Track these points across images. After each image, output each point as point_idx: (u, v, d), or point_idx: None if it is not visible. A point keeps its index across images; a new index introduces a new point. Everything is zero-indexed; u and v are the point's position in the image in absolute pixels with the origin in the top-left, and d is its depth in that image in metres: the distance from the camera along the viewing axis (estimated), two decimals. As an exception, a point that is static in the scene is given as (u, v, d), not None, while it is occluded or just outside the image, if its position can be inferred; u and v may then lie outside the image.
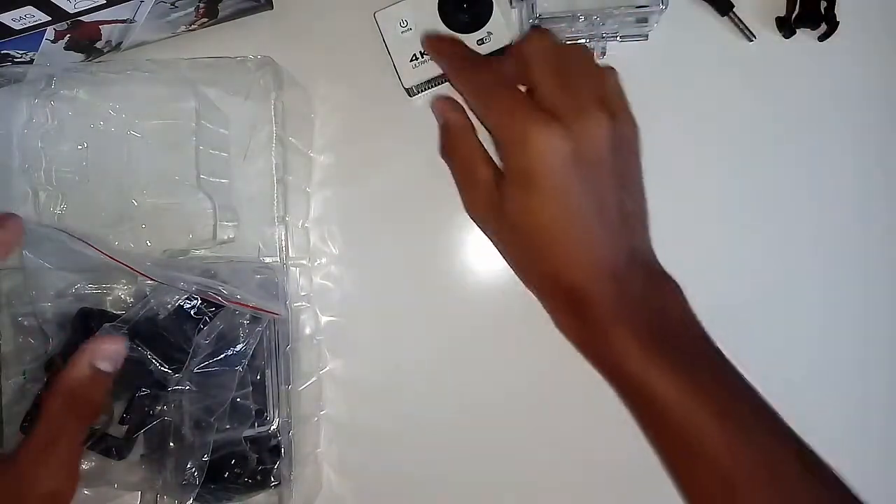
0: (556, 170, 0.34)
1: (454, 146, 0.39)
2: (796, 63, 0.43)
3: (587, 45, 0.42)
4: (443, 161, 0.40)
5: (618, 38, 0.42)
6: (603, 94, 0.35)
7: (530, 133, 0.34)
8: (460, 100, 0.40)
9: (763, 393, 0.35)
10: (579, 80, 0.35)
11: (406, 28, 0.40)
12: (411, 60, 0.40)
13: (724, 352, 0.36)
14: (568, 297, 0.36)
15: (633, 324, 0.34)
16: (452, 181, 0.42)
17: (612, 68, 0.38)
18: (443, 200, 0.43)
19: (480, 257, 0.43)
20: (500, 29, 0.40)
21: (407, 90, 0.41)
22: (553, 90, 0.35)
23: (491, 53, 0.40)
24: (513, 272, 0.39)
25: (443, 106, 0.40)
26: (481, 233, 0.42)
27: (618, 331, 0.34)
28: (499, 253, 0.39)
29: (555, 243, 0.35)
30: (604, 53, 0.42)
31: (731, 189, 0.43)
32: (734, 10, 0.42)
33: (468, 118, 0.39)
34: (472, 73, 0.37)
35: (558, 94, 0.34)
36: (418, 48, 0.40)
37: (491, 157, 0.38)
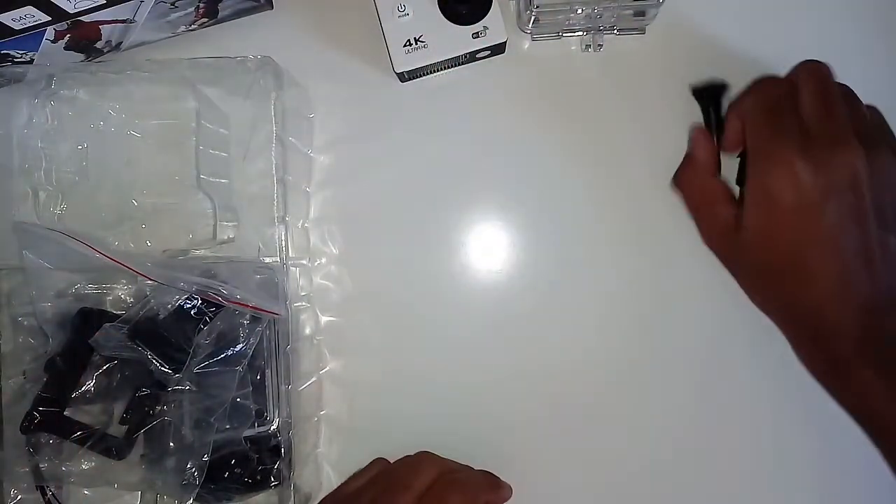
0: (803, 194, 0.33)
1: (691, 181, 0.40)
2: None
3: (584, 35, 0.42)
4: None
5: (615, 31, 0.41)
6: (861, 127, 0.35)
7: (782, 153, 0.34)
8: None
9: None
10: (841, 110, 0.35)
11: (403, 13, 0.39)
12: (405, 46, 0.40)
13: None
14: (809, 327, 0.36)
15: (880, 363, 0.34)
16: (451, 181, 0.43)
17: (875, 107, 0.38)
18: (443, 200, 0.43)
19: (480, 257, 0.43)
20: (497, 25, 0.40)
21: (398, 75, 0.41)
22: (815, 115, 0.35)
23: (483, 50, 0.40)
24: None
25: (698, 139, 0.40)
26: (481, 233, 0.43)
27: (863, 371, 0.34)
28: (737, 282, 0.39)
29: (796, 270, 0.35)
30: (600, 47, 0.42)
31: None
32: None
33: (716, 159, 0.39)
34: (754, 91, 0.38)
35: (820, 120, 0.34)
36: (414, 34, 0.39)
37: (732, 196, 0.38)
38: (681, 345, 0.43)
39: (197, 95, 0.40)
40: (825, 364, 0.36)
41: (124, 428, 0.36)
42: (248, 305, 0.36)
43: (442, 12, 0.39)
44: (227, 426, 0.36)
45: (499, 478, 0.40)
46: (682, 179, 0.41)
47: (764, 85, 0.38)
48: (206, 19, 0.41)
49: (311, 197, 0.43)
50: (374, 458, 0.41)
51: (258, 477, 0.37)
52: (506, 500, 0.40)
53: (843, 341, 0.34)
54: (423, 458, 0.39)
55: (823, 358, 0.36)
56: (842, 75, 0.37)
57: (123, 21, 0.37)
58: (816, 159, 0.33)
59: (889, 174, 0.35)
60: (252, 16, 0.42)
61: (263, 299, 0.37)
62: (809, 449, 0.42)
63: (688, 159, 0.41)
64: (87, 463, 0.37)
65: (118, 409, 0.37)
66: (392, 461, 0.41)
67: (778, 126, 0.35)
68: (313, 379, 0.42)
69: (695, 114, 0.42)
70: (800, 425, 0.42)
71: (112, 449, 0.36)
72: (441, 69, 0.42)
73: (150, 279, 0.36)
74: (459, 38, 0.40)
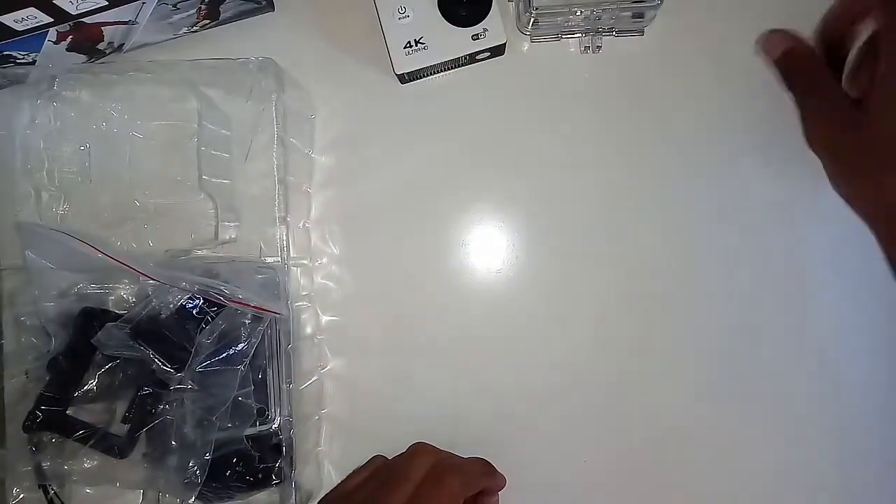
0: None
1: (805, 73, 0.37)
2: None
3: (583, 37, 0.42)
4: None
5: (614, 32, 0.42)
6: None
7: None
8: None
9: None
10: None
11: (403, 15, 0.40)
12: (405, 47, 0.40)
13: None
14: None
15: None
16: (451, 181, 0.43)
17: None
18: (443, 201, 0.43)
19: (480, 257, 0.43)
20: (497, 27, 0.40)
21: (399, 76, 0.41)
22: None
23: (483, 51, 0.41)
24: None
25: (781, 38, 0.37)
26: (481, 232, 0.43)
27: None
28: (841, 180, 0.36)
29: None
30: (599, 48, 0.42)
31: (723, 180, 0.43)
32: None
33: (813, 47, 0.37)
34: None
35: None
36: (414, 35, 0.40)
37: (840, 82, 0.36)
38: (681, 345, 0.43)
39: (199, 96, 0.40)
40: None
41: (126, 427, 0.36)
42: (249, 305, 0.36)
43: (442, 14, 0.40)
44: (229, 425, 0.36)
45: (494, 466, 0.40)
46: (795, 74, 0.37)
47: None
48: (207, 21, 0.41)
49: (313, 197, 0.43)
50: (372, 455, 0.41)
51: (260, 475, 0.37)
52: (501, 487, 0.40)
53: None
54: (419, 449, 0.39)
55: None
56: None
57: (125, 23, 0.37)
58: None
59: None
60: (253, 17, 0.42)
61: (265, 299, 0.37)
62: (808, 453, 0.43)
63: (790, 56, 0.37)
64: (90, 462, 0.37)
65: (120, 408, 0.37)
66: (390, 458, 0.41)
67: None
68: (314, 378, 0.42)
69: (692, 118, 0.43)
70: (799, 427, 0.42)
71: (114, 448, 0.36)
72: (441, 71, 0.42)
73: (153, 279, 0.36)
74: (459, 40, 0.40)
